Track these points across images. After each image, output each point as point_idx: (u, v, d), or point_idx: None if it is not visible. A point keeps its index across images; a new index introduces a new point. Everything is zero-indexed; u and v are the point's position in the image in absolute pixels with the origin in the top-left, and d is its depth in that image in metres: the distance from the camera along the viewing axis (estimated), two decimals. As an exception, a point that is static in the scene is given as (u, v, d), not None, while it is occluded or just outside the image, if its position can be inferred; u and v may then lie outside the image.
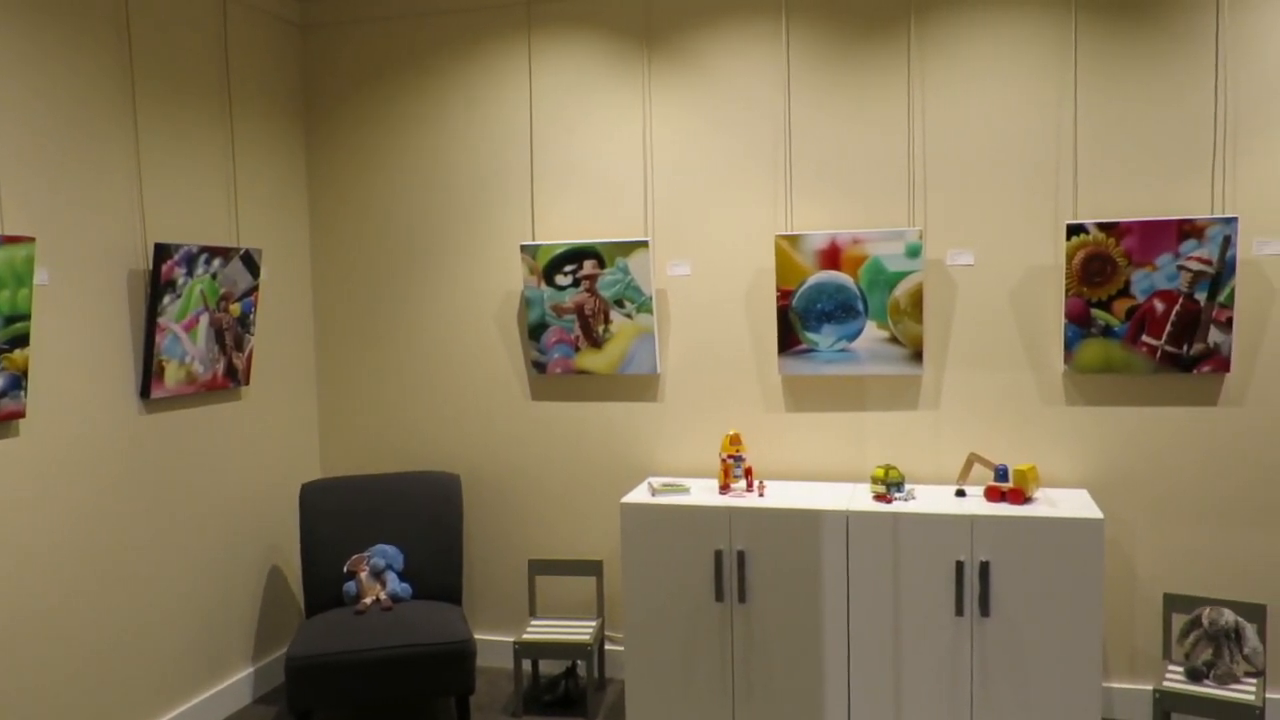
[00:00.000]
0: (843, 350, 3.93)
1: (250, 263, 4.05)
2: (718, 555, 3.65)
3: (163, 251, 3.60)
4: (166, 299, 3.65)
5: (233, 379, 4.04)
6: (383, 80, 4.46)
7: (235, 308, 4.01)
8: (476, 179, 4.37)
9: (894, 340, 3.88)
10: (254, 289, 4.10)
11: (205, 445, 3.97)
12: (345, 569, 4.00)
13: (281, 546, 4.43)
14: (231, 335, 4.01)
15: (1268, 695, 3.68)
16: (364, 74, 4.49)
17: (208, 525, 3.98)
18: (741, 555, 3.64)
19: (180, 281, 3.71)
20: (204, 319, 3.86)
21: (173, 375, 3.73)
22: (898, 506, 3.58)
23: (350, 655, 3.59)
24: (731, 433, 3.88)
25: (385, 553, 4.01)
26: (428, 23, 4.38)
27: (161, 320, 3.65)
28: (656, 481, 4.01)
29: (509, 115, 4.31)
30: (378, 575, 3.98)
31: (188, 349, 3.80)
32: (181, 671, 3.85)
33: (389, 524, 4.15)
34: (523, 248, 4.20)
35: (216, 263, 3.87)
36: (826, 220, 3.97)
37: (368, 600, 3.89)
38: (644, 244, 4.07)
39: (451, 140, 4.39)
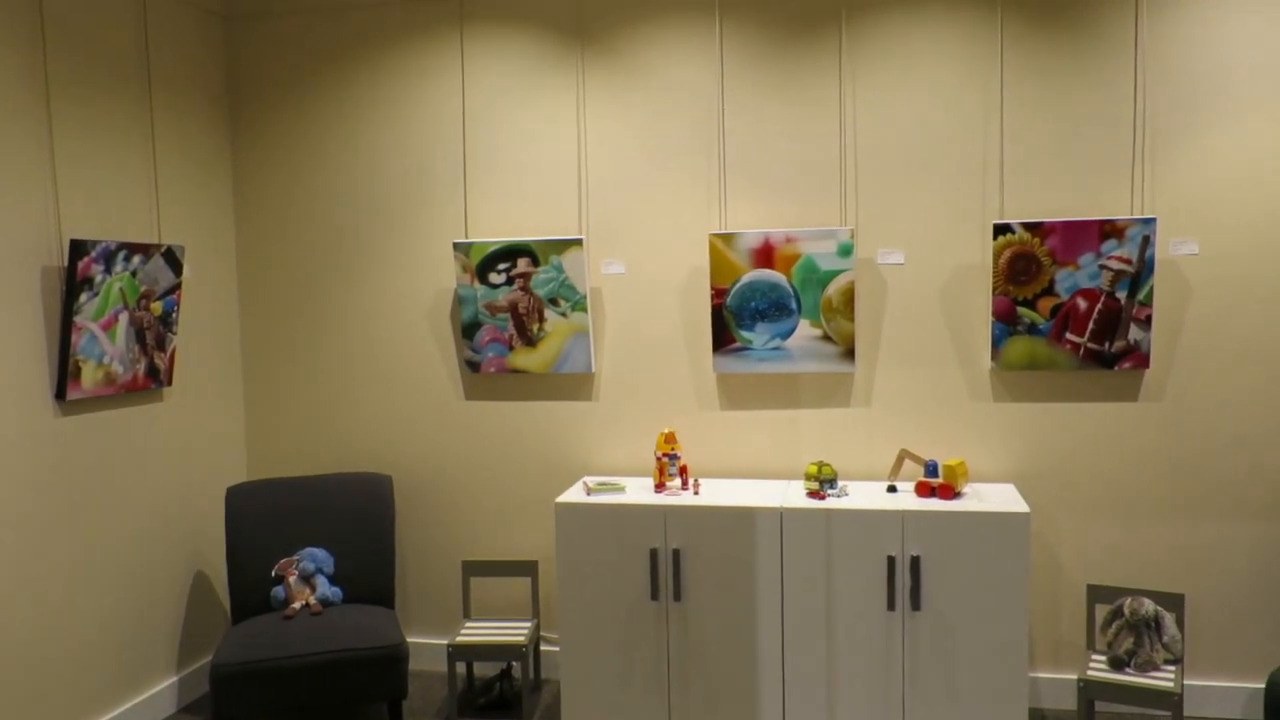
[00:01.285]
0: (776, 348, 3.95)
1: (172, 260, 3.93)
2: (653, 554, 3.65)
3: (79, 248, 3.48)
4: (83, 297, 3.53)
5: (154, 379, 3.92)
6: (310, 73, 4.37)
7: (157, 306, 3.90)
8: (408, 175, 4.31)
9: (827, 338, 3.92)
10: (176, 287, 3.98)
11: (126, 448, 3.84)
12: (273, 573, 3.91)
13: (206, 551, 4.31)
14: (153, 334, 3.90)
15: (1185, 682, 3.79)
16: (291, 67, 4.39)
17: (128, 530, 3.86)
18: (677, 554, 3.64)
19: (98, 279, 3.59)
20: (123, 318, 3.74)
21: (90, 376, 3.61)
22: (831, 503, 3.61)
23: (278, 662, 3.51)
24: (666, 431, 3.88)
25: (315, 556, 3.93)
26: (356, 15, 4.31)
27: (78, 319, 3.52)
28: (592, 481, 3.99)
29: (441, 110, 4.26)
30: (307, 579, 3.89)
31: (106, 349, 3.67)
32: (102, 682, 3.72)
33: (319, 527, 4.07)
34: (455, 245, 4.15)
35: (136, 260, 3.75)
36: (760, 219, 4.00)
37: (297, 605, 3.81)
38: (578, 242, 4.05)
39: (382, 135, 4.32)
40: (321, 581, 3.90)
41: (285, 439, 4.53)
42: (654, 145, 4.06)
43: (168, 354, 3.98)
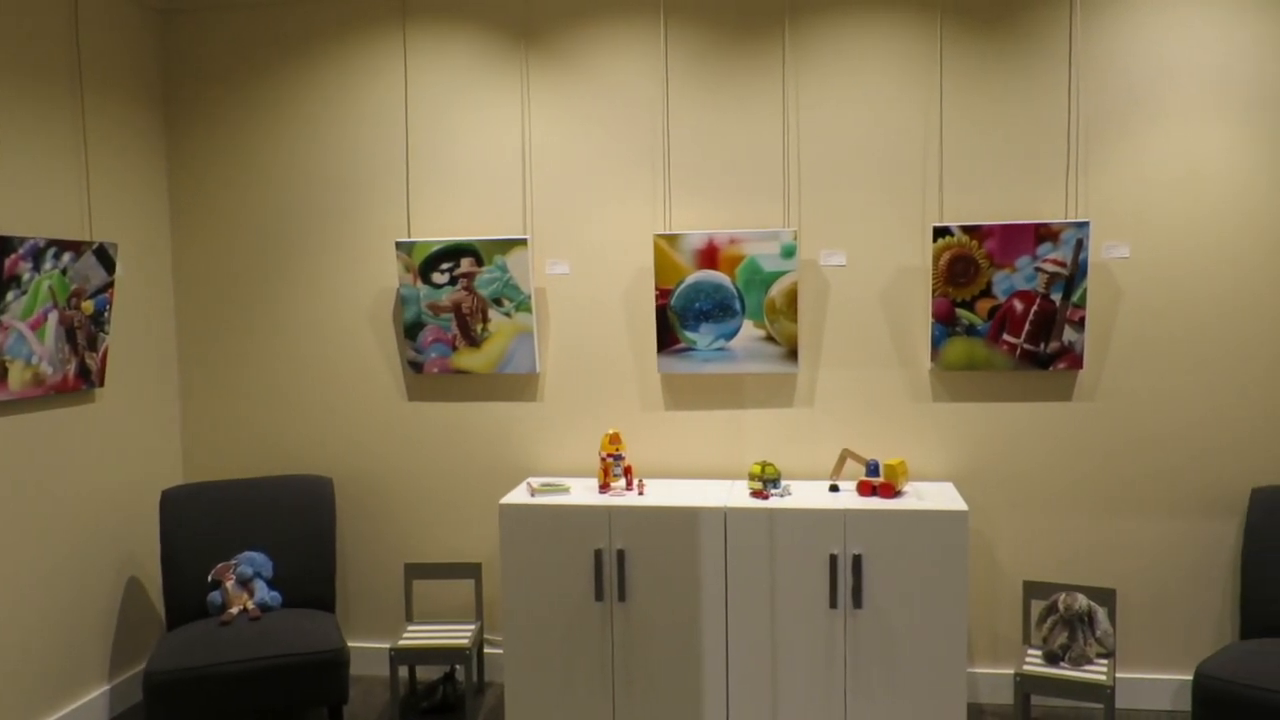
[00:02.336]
0: (720, 349, 3.97)
1: (105, 258, 3.84)
2: (597, 555, 3.64)
3: (5, 244, 3.37)
4: (10, 295, 3.42)
5: (85, 380, 3.82)
6: (249, 68, 4.30)
7: (88, 305, 3.80)
8: (349, 173, 4.25)
9: (770, 339, 3.95)
10: (109, 285, 3.88)
11: (55, 451, 3.74)
12: (210, 578, 3.83)
13: (140, 557, 4.21)
14: (84, 334, 3.79)
15: (1117, 675, 3.89)
16: (229, 62, 4.31)
17: (57, 535, 3.75)
18: (621, 554, 3.64)
19: (26, 277, 3.48)
20: (53, 317, 3.64)
21: (17, 377, 3.50)
22: (774, 503, 3.63)
23: (214, 668, 3.44)
24: (611, 432, 3.88)
25: (253, 560, 3.86)
26: (296, 10, 4.24)
27: (4, 318, 3.42)
28: (536, 482, 3.97)
29: (383, 107, 4.21)
30: (245, 584, 3.82)
31: (34, 348, 3.57)
32: (30, 692, 3.61)
33: (257, 530, 4.00)
34: (398, 245, 4.10)
35: (67, 257, 3.65)
36: (705, 220, 4.01)
37: (234, 610, 3.74)
38: (523, 242, 4.03)
39: (322, 132, 4.26)
40: (260, 586, 3.83)
41: (222, 441, 4.44)
42: (599, 145, 4.06)
43: (99, 354, 3.88)
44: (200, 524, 3.96)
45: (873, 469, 3.72)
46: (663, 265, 3.96)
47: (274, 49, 4.27)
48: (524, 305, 4.07)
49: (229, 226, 4.36)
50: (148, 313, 4.27)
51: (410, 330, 4.17)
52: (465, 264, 4.08)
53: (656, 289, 3.97)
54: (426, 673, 4.38)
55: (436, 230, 4.19)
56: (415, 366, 4.20)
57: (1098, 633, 3.57)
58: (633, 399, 4.12)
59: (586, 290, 4.12)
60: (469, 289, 4.10)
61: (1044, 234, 3.72)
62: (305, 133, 4.27)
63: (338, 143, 4.25)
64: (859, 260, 3.93)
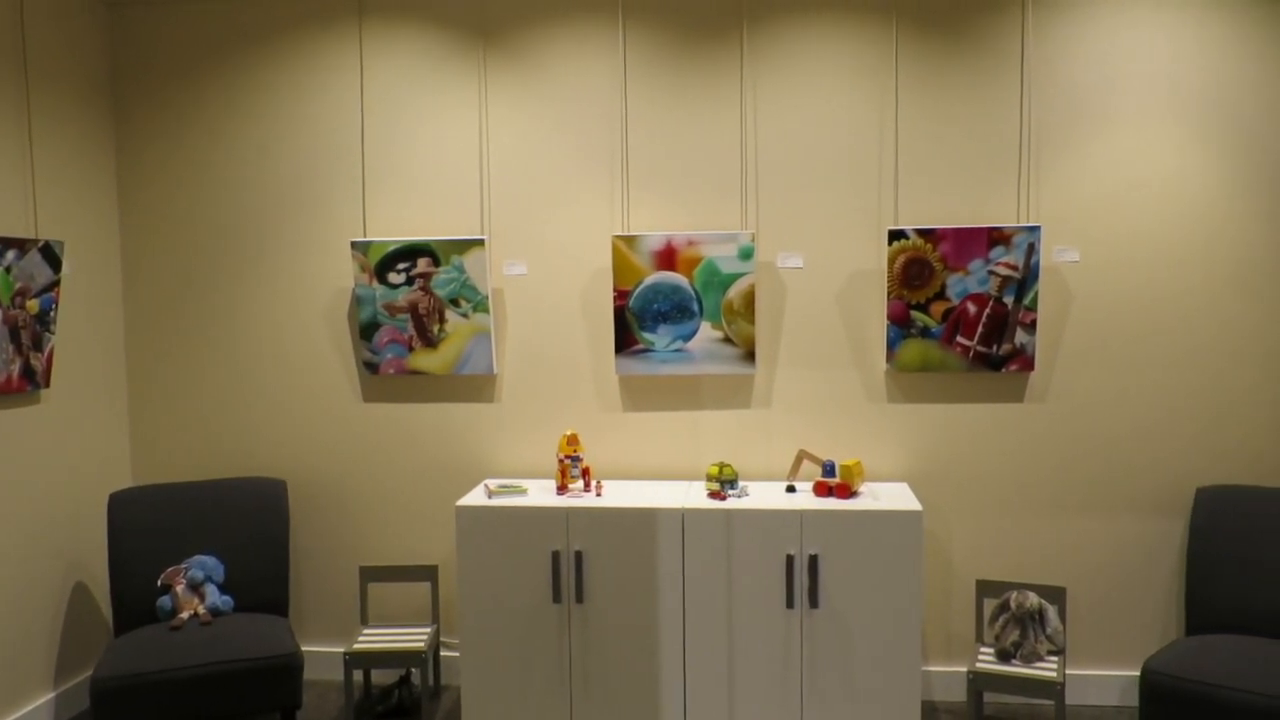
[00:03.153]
0: (678, 350, 3.98)
1: (51, 255, 3.75)
2: (555, 556, 3.63)
3: (-54, 242, 3.29)
4: (-49, 294, 3.34)
5: (30, 381, 3.73)
6: (201, 63, 4.23)
7: (33, 304, 3.71)
8: (304, 171, 4.20)
9: (728, 340, 3.96)
10: (55, 284, 3.80)
11: (-2, 453, 3.65)
12: (159, 583, 3.77)
13: (87, 561, 4.12)
14: (29, 334, 3.71)
15: (1067, 671, 3.96)
16: (181, 58, 4.23)
17: (1, 539, 3.66)
18: (579, 556, 3.63)
19: (-33, 275, 3.40)
20: (-4, 316, 3.55)
21: (-41, 377, 3.42)
22: (731, 503, 3.65)
23: (163, 674, 3.38)
24: (569, 433, 3.87)
25: (204, 564, 3.80)
26: (251, 4, 4.18)
27: (-55, 317, 3.33)
28: (493, 483, 3.95)
29: (339, 104, 4.16)
30: (195, 588, 3.76)
31: (-24, 348, 3.48)
32: (-31, 701, 3.52)
33: (208, 534, 3.93)
34: (353, 244, 4.06)
35: (11, 255, 3.57)
36: (663, 221, 4.02)
37: (184, 615, 3.67)
38: (480, 242, 4.01)
39: (276, 129, 4.20)
40: (211, 590, 3.77)
41: (172, 443, 4.36)
42: (557, 145, 4.05)
43: (45, 354, 3.79)
44: (149, 527, 3.88)
45: (829, 470, 3.75)
46: (621, 266, 3.96)
47: (227, 44, 4.21)
48: (481, 306, 4.05)
49: (179, 224, 4.29)
50: (95, 312, 4.18)
51: (366, 331, 4.13)
52: (422, 264, 4.05)
53: (615, 290, 3.97)
54: (382, 676, 4.34)
55: (393, 230, 4.16)
56: (370, 367, 4.16)
57: (1048, 630, 3.63)
58: (590, 400, 4.11)
59: (544, 291, 4.11)
60: (426, 289, 4.07)
61: (997, 238, 3.78)
62: (259, 129, 4.21)
63: (293, 140, 4.20)
64: (816, 263, 3.96)
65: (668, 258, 3.94)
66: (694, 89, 3.97)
